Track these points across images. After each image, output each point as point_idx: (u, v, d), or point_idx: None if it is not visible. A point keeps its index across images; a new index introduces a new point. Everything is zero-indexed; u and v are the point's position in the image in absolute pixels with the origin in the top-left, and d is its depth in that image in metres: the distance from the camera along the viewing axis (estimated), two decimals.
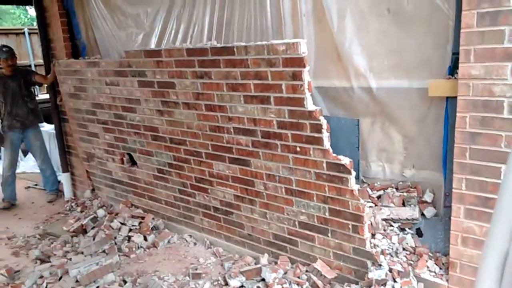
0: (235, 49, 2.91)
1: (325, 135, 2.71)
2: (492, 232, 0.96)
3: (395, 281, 2.66)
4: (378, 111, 3.07)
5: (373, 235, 2.95)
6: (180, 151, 3.66)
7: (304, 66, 2.60)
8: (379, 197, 3.16)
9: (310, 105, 2.70)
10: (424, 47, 2.68)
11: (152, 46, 4.12)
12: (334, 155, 2.72)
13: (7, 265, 3.65)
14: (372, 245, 2.83)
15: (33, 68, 9.42)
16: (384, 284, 2.67)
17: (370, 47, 2.92)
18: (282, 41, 2.70)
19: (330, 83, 3.23)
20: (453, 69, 2.57)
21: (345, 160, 2.70)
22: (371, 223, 2.92)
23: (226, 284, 3.07)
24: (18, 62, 5.27)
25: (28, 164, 6.43)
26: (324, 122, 2.69)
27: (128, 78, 3.81)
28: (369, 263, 2.77)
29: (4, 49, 5.00)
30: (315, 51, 3.19)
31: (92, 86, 4.28)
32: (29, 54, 9.80)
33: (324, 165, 2.77)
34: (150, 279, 3.17)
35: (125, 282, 3.23)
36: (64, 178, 5.23)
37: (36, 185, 5.83)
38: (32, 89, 5.38)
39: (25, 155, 6.55)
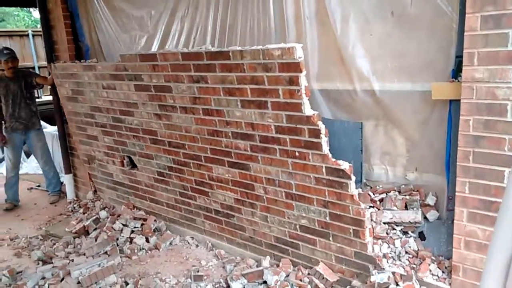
0: (230, 54, 2.86)
1: (324, 140, 2.68)
2: (497, 234, 0.96)
3: (397, 285, 2.65)
4: (381, 114, 3.06)
5: (375, 239, 2.94)
6: (179, 155, 3.65)
7: (301, 71, 2.56)
8: (381, 200, 3.15)
9: (307, 110, 2.67)
10: (427, 50, 2.68)
11: (155, 48, 4.12)
12: (334, 160, 2.69)
13: (9, 265, 3.65)
14: (374, 249, 2.82)
15: (36, 70, 9.46)
16: (387, 287, 2.66)
17: (374, 50, 2.92)
18: (278, 45, 2.65)
19: (333, 85, 3.23)
20: (456, 72, 2.56)
21: (345, 165, 2.68)
22: (372, 227, 2.91)
23: (228, 286, 3.07)
24: (22, 64, 5.30)
25: (31, 166, 6.45)
26: (322, 127, 2.66)
27: (125, 82, 3.77)
28: (371, 266, 2.76)
29: (5, 52, 5.03)
30: (318, 54, 3.19)
31: (89, 89, 4.24)
32: (33, 56, 9.84)
33: (324, 170, 2.75)
34: (152, 281, 3.18)
35: (127, 283, 3.23)
36: (66, 179, 5.24)
37: (38, 186, 5.84)
38: (35, 91, 5.39)
39: (28, 157, 6.57)
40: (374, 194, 3.16)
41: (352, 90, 3.11)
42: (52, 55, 4.98)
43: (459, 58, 2.48)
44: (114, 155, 4.38)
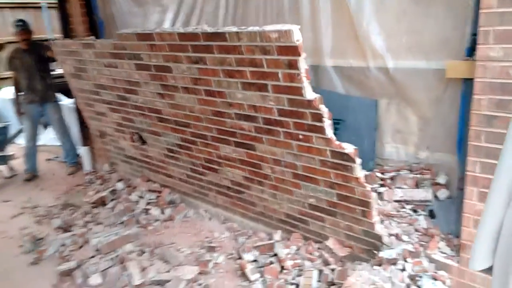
0: (227, 35, 2.68)
1: (327, 124, 2.60)
2: (489, 199, 1.00)
3: (405, 261, 2.71)
4: (394, 92, 3.06)
5: (385, 216, 2.99)
6: (186, 133, 3.60)
7: (299, 55, 2.44)
8: (392, 178, 3.19)
9: (309, 94, 2.56)
10: (443, 27, 2.65)
11: (168, 22, 4.09)
12: (338, 143, 2.62)
13: (31, 232, 3.83)
14: (382, 227, 2.86)
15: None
16: (395, 263, 2.72)
17: (388, 26, 2.88)
18: (274, 28, 2.48)
19: (347, 62, 3.22)
20: (471, 51, 2.53)
21: (349, 149, 2.61)
22: (379, 206, 2.93)
23: (240, 258, 3.17)
24: (37, 36, 5.30)
25: (49, 137, 6.58)
26: (325, 111, 2.56)
27: (125, 61, 3.62)
28: (379, 244, 2.82)
29: (17, 23, 5.05)
30: (332, 30, 3.17)
31: (91, 67, 4.12)
32: (48, 28, 9.85)
33: (328, 153, 2.69)
34: (167, 250, 3.30)
35: (143, 252, 3.36)
36: (83, 151, 5.36)
37: (57, 157, 5.99)
38: (50, 64, 5.36)
39: (45, 128, 6.70)
40: (384, 174, 3.19)
41: (366, 67, 3.10)
42: (66, 28, 5.00)
43: (474, 36, 2.44)
44: (123, 131, 4.38)
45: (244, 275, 3.00)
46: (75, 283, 3.06)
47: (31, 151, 5.34)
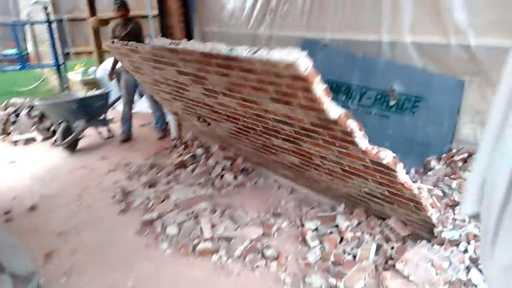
0: (240, 59, 2.50)
1: (359, 137, 2.43)
2: (480, 144, 1.03)
3: (469, 243, 2.65)
4: (476, 71, 2.92)
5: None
6: (239, 124, 3.58)
7: (311, 83, 2.21)
8: (466, 161, 3.07)
9: (332, 113, 2.34)
10: None
11: (249, 4, 4.15)
12: (375, 152, 2.46)
13: (122, 186, 4.35)
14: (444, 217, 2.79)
15: (150, 19, 10.27)
16: (457, 245, 2.67)
17: (472, 1, 2.74)
18: (280, 57, 2.21)
19: (427, 38, 3.13)
20: None
21: (388, 158, 2.46)
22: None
23: (302, 225, 3.32)
24: (137, 13, 5.81)
25: (143, 105, 7.23)
26: (353, 126, 2.37)
27: (167, 66, 3.56)
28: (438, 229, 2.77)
29: (116, 1, 5.61)
30: (412, 5, 3.09)
31: (143, 66, 4.11)
32: (148, 5, 10.64)
33: (368, 160, 2.58)
34: (236, 212, 3.56)
35: (215, 211, 3.66)
36: (171, 119, 5.83)
37: (149, 124, 6.59)
38: (140, 39, 5.66)
39: (141, 97, 7.36)
40: (455, 156, 3.08)
41: (447, 43, 2.99)
42: (162, 5, 5.41)
43: None
44: (190, 113, 4.48)
45: (304, 241, 3.15)
46: (155, 231, 3.46)
47: (127, 116, 5.95)
